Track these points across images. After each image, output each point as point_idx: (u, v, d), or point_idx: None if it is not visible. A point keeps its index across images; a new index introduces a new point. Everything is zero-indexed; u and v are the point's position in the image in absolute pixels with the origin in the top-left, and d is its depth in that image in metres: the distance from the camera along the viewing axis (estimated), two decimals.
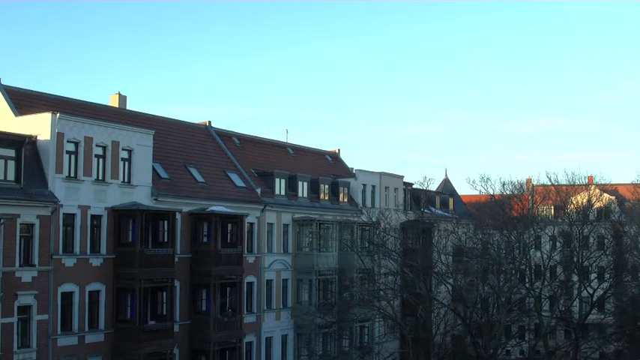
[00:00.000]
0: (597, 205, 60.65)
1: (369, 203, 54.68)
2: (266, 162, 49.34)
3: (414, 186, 58.99)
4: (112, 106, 41.66)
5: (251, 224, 43.16)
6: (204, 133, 46.93)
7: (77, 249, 32.92)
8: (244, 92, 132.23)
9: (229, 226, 40.81)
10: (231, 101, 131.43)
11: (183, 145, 43.23)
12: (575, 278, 53.90)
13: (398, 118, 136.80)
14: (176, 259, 36.73)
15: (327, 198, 50.62)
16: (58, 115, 32.34)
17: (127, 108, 42.48)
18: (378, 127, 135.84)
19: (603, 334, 53.99)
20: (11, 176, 30.71)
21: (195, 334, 38.30)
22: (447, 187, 72.86)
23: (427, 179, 53.20)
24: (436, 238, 50.60)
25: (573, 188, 59.08)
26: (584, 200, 57.20)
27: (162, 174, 38.86)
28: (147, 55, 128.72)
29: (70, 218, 32.67)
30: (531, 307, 52.67)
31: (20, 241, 30.53)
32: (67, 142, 32.65)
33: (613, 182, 63.69)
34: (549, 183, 59.43)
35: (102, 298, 33.93)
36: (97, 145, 33.91)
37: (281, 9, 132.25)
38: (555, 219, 61.38)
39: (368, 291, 47.64)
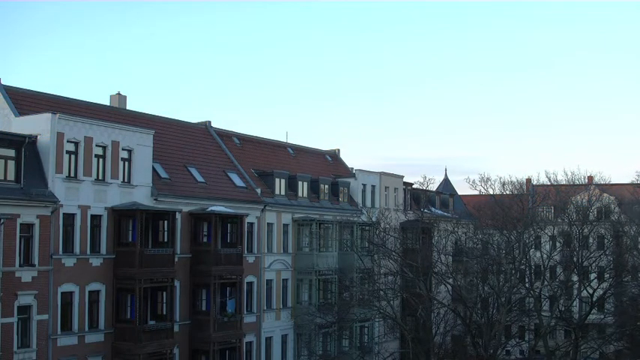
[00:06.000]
0: (597, 205, 60.59)
1: (369, 203, 54.67)
2: (266, 162, 49.34)
3: (414, 186, 58.97)
4: (112, 106, 41.68)
5: (251, 224, 43.19)
6: (204, 133, 46.93)
7: (77, 249, 32.94)
8: (244, 92, 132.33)
9: (229, 226, 40.90)
10: (232, 101, 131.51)
11: (183, 145, 43.25)
12: (575, 278, 53.87)
13: (398, 118, 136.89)
14: (176, 259, 36.77)
15: (327, 198, 50.62)
16: (58, 115, 32.39)
17: (127, 108, 42.52)
18: (378, 128, 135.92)
19: (603, 334, 53.96)
20: (11, 176, 30.75)
21: (195, 334, 38.33)
22: (447, 187, 72.81)
23: (427, 179, 53.00)
24: (436, 238, 50.54)
25: (573, 188, 59.03)
26: (584, 200, 57.14)
27: (162, 174, 38.87)
28: (147, 56, 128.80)
29: (69, 218, 32.71)
30: (531, 307, 52.63)
31: (20, 241, 30.57)
32: (67, 142, 32.68)
33: (613, 182, 63.71)
34: (549, 183, 59.39)
35: (102, 298, 33.98)
36: (97, 145, 33.95)
37: (280, 9, 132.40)
38: (555, 219, 61.34)
39: (368, 291, 47.61)
